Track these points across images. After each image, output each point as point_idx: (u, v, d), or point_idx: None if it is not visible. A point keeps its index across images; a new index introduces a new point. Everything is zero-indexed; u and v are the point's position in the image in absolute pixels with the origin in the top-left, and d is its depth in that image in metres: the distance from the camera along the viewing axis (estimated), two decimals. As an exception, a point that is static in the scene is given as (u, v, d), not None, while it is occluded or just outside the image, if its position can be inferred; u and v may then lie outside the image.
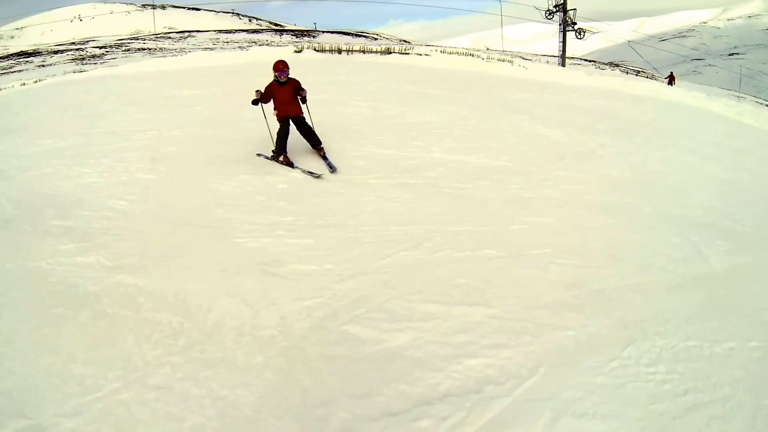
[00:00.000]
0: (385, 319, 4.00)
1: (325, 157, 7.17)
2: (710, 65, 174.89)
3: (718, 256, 6.35)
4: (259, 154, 7.37)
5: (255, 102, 6.85)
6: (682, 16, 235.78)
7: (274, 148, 7.06)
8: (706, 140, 15.02)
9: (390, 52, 17.94)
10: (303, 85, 6.91)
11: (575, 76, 21.61)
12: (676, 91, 25.56)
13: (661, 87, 25.75)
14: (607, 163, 9.33)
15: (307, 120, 7.15)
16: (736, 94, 47.98)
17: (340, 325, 3.90)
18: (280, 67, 6.70)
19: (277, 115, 6.95)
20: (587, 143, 10.18)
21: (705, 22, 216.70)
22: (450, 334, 3.93)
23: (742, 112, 26.80)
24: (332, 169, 6.89)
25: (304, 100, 6.97)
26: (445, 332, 3.95)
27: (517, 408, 3.41)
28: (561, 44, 26.08)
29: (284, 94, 6.79)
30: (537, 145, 9.21)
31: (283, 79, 6.73)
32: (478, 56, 20.53)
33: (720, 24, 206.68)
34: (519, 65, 20.50)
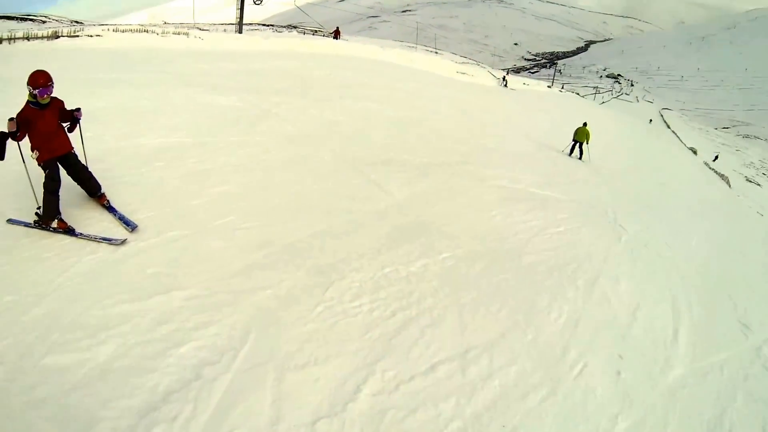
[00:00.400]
0: (83, 336, 3.64)
1: (112, 209, 5.31)
2: (385, 21, 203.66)
3: (398, 187, 7.80)
4: (11, 220, 4.82)
5: (7, 136, 4.38)
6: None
7: (39, 208, 4.77)
8: (380, 86, 18.05)
9: (58, 36, 15.38)
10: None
11: (252, 41, 22.69)
12: (352, 46, 29.28)
13: (338, 43, 29.01)
14: (283, 120, 10.08)
15: (80, 155, 5.13)
16: (409, 44, 58.47)
17: (38, 361, 3.41)
18: (42, 81, 4.45)
19: (39, 157, 4.63)
20: (262, 105, 10.90)
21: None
22: (152, 329, 3.81)
23: (414, 59, 32.84)
24: (130, 226, 5.08)
25: (74, 127, 5.01)
26: (147, 329, 3.80)
27: (241, 380, 3.51)
28: (238, 11, 26.32)
29: (48, 123, 4.64)
30: (212, 116, 9.41)
31: (45, 100, 4.56)
32: (153, 32, 19.73)
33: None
34: (196, 37, 20.59)
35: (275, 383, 3.55)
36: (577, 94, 74.32)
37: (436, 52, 52.88)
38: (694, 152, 48.50)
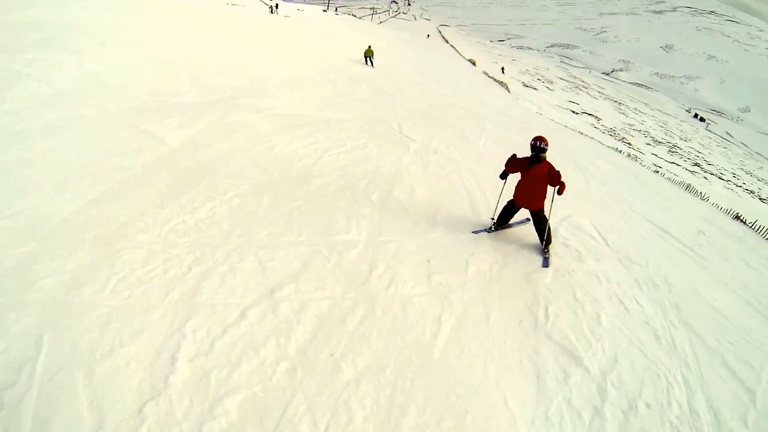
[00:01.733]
0: None
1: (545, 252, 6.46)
2: None
3: (172, 133, 7.39)
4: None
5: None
6: None
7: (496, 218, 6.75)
8: (145, 27, 16.83)
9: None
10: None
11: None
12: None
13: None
14: (36, 81, 8.85)
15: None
16: None
17: None
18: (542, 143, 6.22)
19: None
20: (9, 66, 9.34)
21: None
22: None
23: None
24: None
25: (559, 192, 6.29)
26: None
27: (48, 393, 3.25)
28: None
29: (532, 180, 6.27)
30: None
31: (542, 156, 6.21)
32: None
33: None
34: None
35: (86, 382, 3.37)
36: (354, 15, 77.01)
37: None
38: (473, 63, 54.94)
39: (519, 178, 6.45)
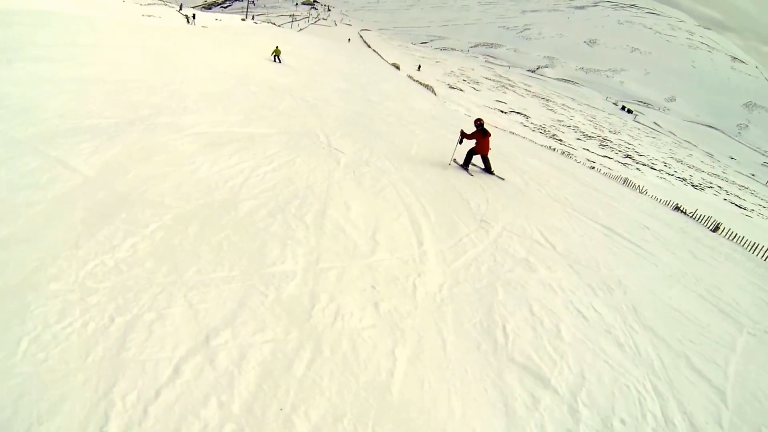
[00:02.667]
0: None
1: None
2: None
3: (86, 159, 6.73)
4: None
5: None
6: None
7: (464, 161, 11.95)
8: (55, 43, 15.52)
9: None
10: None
11: None
12: None
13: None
14: None
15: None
16: None
17: None
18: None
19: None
20: None
21: None
22: None
23: (94, 5, 28.86)
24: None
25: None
26: None
27: None
28: None
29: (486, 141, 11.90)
30: None
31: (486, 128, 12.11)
32: None
33: None
34: None
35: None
36: (273, 23, 76.53)
37: None
38: (397, 67, 55.80)
39: (473, 141, 11.75)
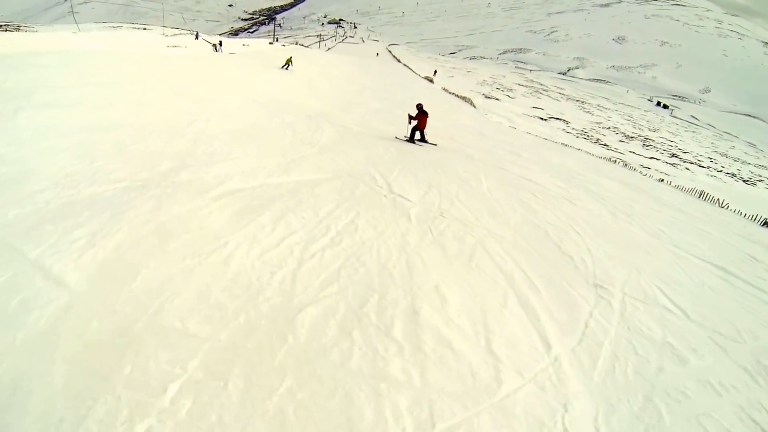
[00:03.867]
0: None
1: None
2: (85, 2, 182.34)
3: (77, 260, 4.79)
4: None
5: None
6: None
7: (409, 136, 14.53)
8: (69, 84, 14.08)
9: None
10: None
11: None
12: (35, 39, 23.54)
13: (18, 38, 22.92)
14: None
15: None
16: (113, 24, 51.21)
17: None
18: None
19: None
20: None
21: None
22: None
23: (117, 40, 28.61)
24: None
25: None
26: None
27: None
28: None
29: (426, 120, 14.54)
30: None
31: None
32: None
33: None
34: None
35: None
36: (301, 45, 75.83)
37: (144, 29, 46.88)
38: (430, 81, 53.89)
39: (417, 120, 14.18)
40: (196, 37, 40.46)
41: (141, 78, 17.44)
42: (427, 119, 14.40)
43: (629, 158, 37.67)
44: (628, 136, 55.63)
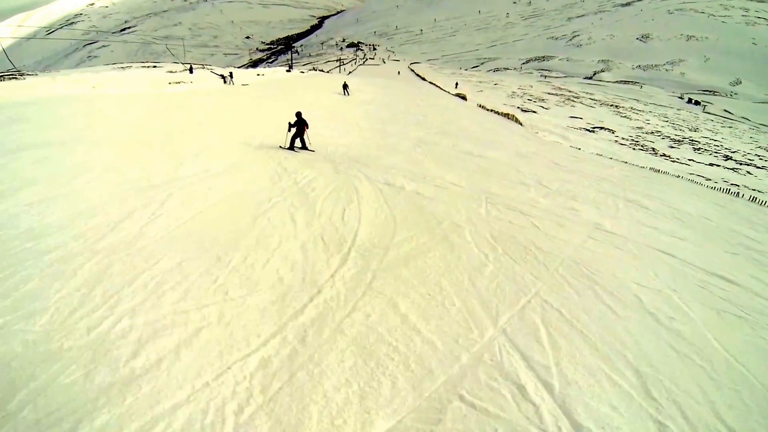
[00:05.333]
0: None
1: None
2: (104, 45, 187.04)
3: None
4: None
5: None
6: (65, 3, 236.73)
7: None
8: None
9: None
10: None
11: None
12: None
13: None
14: None
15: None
16: (124, 65, 49.25)
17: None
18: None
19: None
20: None
21: (92, 4, 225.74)
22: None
23: (115, 82, 25.32)
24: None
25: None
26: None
27: None
28: None
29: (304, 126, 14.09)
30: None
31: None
32: None
33: (107, 2, 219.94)
34: None
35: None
36: (321, 70, 72.65)
37: (154, 66, 44.02)
38: (463, 98, 49.60)
39: (294, 128, 13.85)
40: (190, 71, 36.97)
41: (103, 133, 13.47)
42: (306, 128, 14.27)
43: (696, 168, 32.74)
44: (675, 140, 50.25)
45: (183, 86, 28.67)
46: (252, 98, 26.65)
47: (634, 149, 37.46)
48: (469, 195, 10.28)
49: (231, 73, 36.91)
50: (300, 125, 13.94)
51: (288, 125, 13.91)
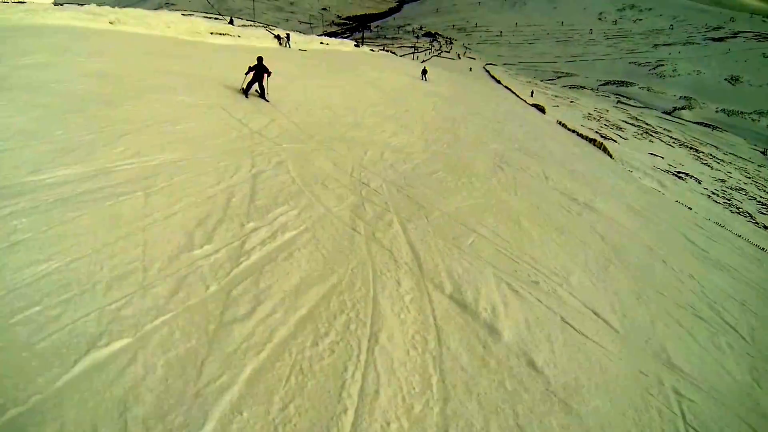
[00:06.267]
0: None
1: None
2: None
3: None
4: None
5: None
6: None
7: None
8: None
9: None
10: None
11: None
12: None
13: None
14: None
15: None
16: (186, 12, 47.20)
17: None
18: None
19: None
20: None
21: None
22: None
23: (161, 23, 22.45)
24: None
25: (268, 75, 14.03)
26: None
27: None
28: None
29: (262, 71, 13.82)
30: None
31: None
32: None
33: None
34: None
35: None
36: (393, 53, 68.97)
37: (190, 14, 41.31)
38: (542, 110, 45.09)
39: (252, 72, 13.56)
40: (230, 22, 35.09)
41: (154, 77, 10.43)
42: (266, 75, 13.98)
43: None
44: (760, 201, 44.30)
45: (227, 39, 25.22)
46: (299, 65, 23.19)
47: (725, 208, 32.51)
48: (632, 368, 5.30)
49: (288, 35, 33.35)
50: (259, 71, 13.83)
51: (247, 69, 13.77)
